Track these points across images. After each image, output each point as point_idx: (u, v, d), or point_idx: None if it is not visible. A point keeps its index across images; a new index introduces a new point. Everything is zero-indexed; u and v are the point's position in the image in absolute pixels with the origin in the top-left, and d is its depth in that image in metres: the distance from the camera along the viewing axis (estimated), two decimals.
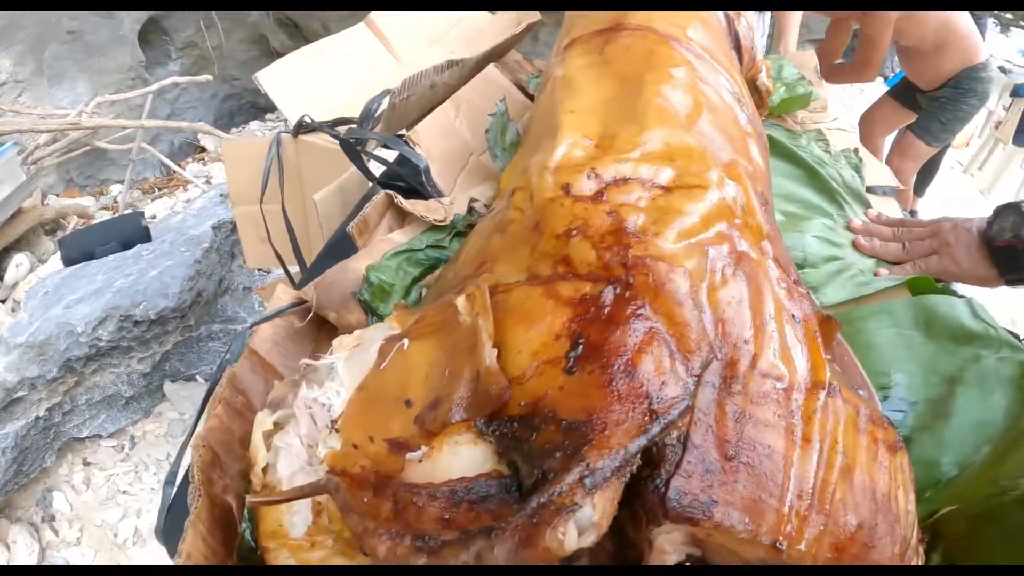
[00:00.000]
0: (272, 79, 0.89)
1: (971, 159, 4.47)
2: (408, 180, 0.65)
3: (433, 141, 0.62)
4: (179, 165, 2.34)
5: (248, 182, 0.87)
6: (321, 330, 0.49)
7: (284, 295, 0.50)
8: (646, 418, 0.24)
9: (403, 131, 0.75)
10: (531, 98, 0.79)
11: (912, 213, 2.77)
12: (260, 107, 2.84)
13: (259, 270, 1.59)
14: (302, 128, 0.80)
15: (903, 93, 2.02)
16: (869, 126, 2.15)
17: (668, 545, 0.24)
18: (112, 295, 1.22)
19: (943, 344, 0.42)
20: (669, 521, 0.24)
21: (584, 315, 0.27)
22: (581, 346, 0.26)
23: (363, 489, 0.27)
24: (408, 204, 0.53)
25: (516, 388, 0.26)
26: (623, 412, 0.24)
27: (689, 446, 0.25)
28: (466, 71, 0.83)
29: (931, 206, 2.69)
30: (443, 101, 0.82)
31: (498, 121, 0.61)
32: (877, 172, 0.77)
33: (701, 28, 0.52)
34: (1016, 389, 0.38)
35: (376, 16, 0.95)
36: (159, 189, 2.31)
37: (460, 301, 0.29)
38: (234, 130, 2.74)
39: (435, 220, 0.53)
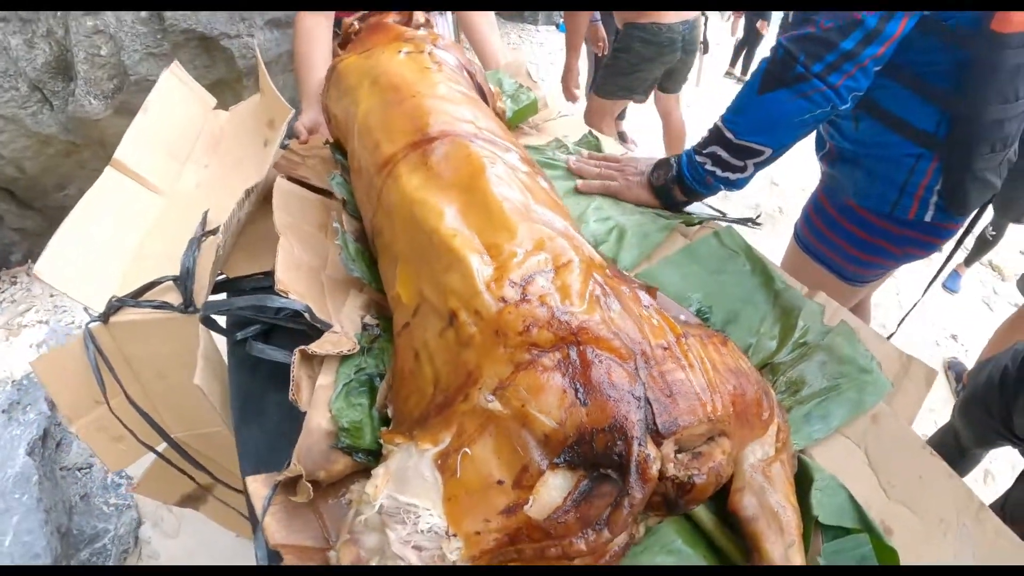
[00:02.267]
0: (51, 270, 0.83)
1: None
2: (263, 320, 0.72)
3: (294, 281, 0.70)
4: None
5: (75, 392, 0.82)
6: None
7: (259, 485, 0.54)
8: (635, 402, 0.45)
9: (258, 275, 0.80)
10: (319, 190, 0.88)
11: (621, 134, 3.31)
12: None
13: (83, 469, 1.39)
14: (112, 311, 0.79)
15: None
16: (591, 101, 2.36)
17: (668, 451, 0.46)
18: None
19: (710, 268, 0.72)
20: (664, 439, 0.46)
21: (568, 370, 0.46)
22: (581, 388, 0.45)
23: (505, 548, 0.43)
24: (321, 350, 0.61)
25: (564, 429, 0.44)
26: (625, 405, 0.44)
27: (652, 401, 0.47)
28: (260, 194, 0.89)
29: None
30: (243, 225, 0.87)
31: (342, 240, 0.72)
32: (610, 143, 1.06)
33: (479, 112, 0.70)
34: (762, 285, 0.70)
35: (120, 155, 0.92)
36: None
37: (495, 405, 0.46)
38: None
39: (348, 351, 0.62)
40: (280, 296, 0.66)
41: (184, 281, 0.75)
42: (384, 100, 0.71)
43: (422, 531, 0.44)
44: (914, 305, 1.04)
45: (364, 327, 0.66)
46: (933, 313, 2.44)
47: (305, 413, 0.58)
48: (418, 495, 0.46)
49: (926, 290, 1.07)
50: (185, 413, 0.80)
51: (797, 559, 0.49)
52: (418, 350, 0.55)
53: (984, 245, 2.40)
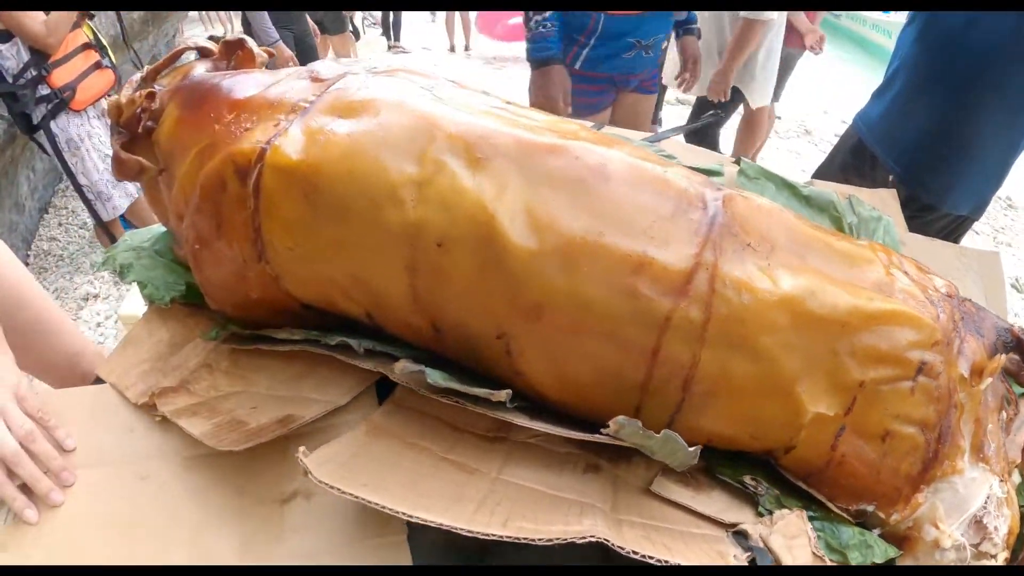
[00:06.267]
0: None
1: None
2: None
3: None
4: None
5: None
6: None
7: None
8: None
9: None
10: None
11: None
12: None
13: None
14: None
15: None
16: None
17: None
18: None
19: None
20: None
21: (964, 324, 0.54)
22: (974, 327, 0.55)
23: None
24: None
25: None
26: (981, 317, 0.57)
27: None
28: None
29: None
30: None
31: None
32: None
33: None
34: (792, 196, 0.79)
35: None
36: None
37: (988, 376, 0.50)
38: None
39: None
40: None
41: None
42: (541, 171, 0.37)
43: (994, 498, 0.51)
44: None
45: (758, 493, 0.47)
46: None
47: None
48: (981, 488, 0.51)
49: None
50: None
51: None
52: (888, 430, 0.49)
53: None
